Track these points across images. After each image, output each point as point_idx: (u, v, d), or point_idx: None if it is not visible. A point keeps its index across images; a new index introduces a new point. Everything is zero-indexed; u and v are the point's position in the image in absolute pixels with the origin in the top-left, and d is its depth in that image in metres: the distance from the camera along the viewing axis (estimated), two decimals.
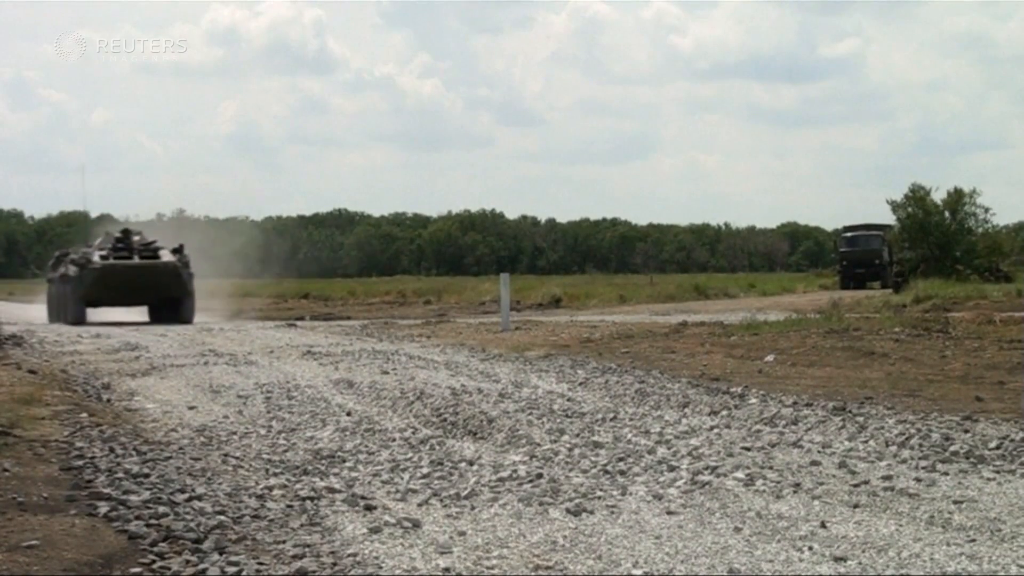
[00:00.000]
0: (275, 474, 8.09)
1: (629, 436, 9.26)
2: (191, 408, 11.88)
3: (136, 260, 30.37)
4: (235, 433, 10.07)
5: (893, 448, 8.91)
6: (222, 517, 6.60)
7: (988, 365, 14.60)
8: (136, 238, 31.67)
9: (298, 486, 7.62)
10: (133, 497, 7.01)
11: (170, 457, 8.61)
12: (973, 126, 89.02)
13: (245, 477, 7.96)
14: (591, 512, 6.92)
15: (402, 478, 7.95)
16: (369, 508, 7.04)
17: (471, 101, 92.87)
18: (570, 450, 8.74)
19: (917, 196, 49.42)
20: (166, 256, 30.78)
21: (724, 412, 11.10)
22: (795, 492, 7.33)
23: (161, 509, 6.72)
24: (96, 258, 30.22)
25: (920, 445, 9.04)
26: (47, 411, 10.86)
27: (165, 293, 30.51)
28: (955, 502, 7.03)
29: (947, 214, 49.22)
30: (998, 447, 8.84)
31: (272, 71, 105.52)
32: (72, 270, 30.03)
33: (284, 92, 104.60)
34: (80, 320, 29.43)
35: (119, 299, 30.71)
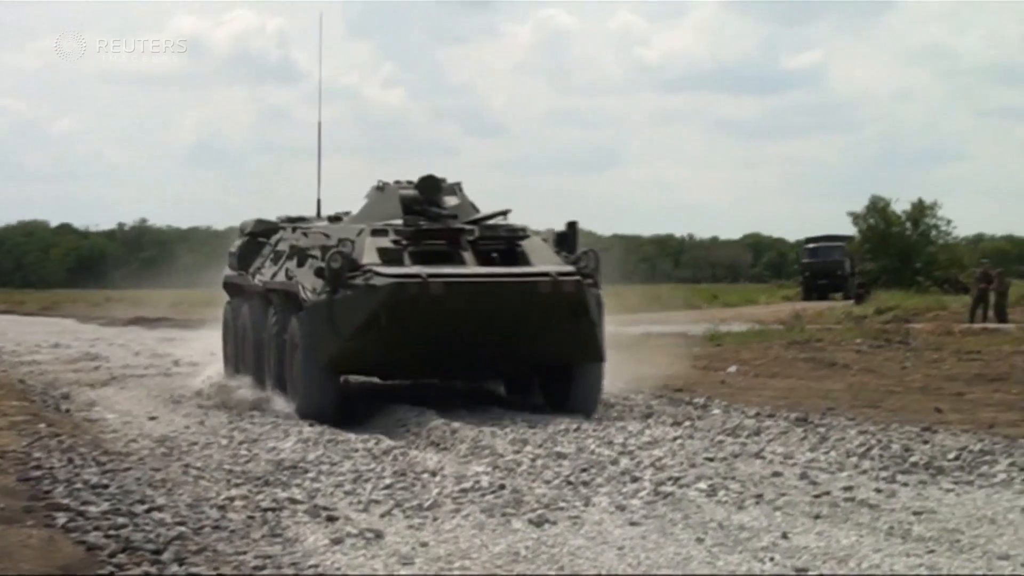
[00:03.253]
0: (236, 485, 8.03)
1: (592, 447, 9.26)
2: (152, 418, 11.80)
3: (471, 267, 11.67)
4: (196, 443, 10.00)
5: (854, 459, 8.96)
6: (182, 528, 6.55)
7: (947, 376, 14.73)
8: (449, 203, 12.88)
9: (260, 497, 7.57)
10: (92, 508, 6.95)
11: (130, 468, 8.53)
12: (934, 138, 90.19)
13: (206, 488, 7.90)
14: (554, 523, 6.91)
15: (364, 489, 7.91)
16: (331, 519, 7.00)
17: (436, 111, 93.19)
18: (533, 460, 8.73)
19: (878, 207, 49.76)
20: (540, 253, 12.01)
21: (687, 423, 11.13)
22: (757, 503, 7.35)
23: (120, 520, 6.66)
24: (370, 256, 11.61)
25: (880, 456, 9.09)
26: (4, 421, 10.75)
27: (546, 349, 11.84)
28: (915, 513, 7.07)
29: (909, 226, 49.57)
30: (957, 458, 8.91)
31: (235, 81, 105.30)
32: (311, 285, 11.84)
33: (248, 102, 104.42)
34: (325, 409, 11.65)
35: (433, 359, 11.83)
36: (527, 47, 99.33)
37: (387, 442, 9.78)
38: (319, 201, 14.55)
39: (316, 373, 11.71)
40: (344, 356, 11.64)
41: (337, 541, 6.45)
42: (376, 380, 13.35)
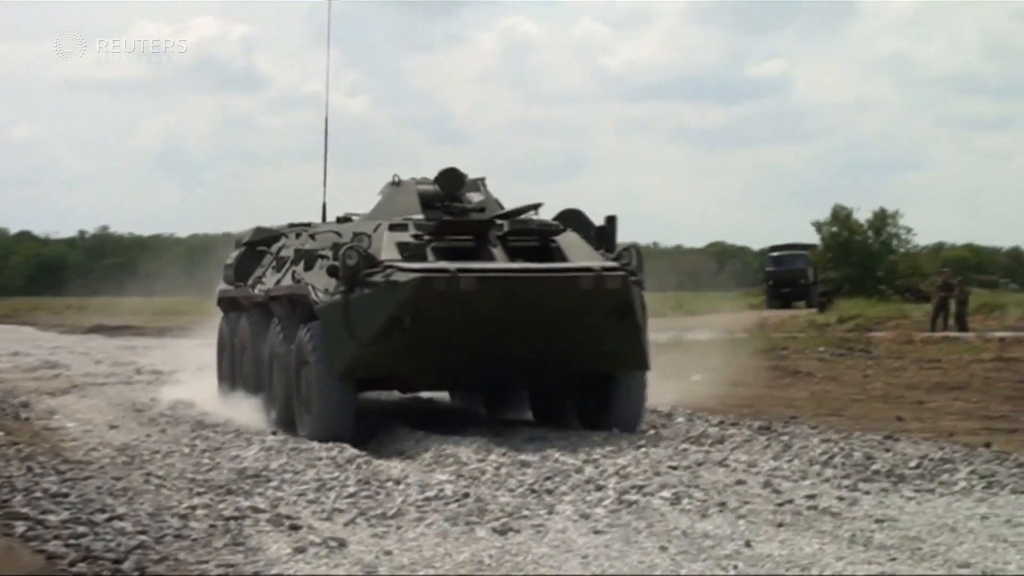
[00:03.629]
0: (199, 494, 7.98)
1: (556, 455, 9.26)
2: (112, 427, 11.71)
3: (505, 261, 10.61)
4: (158, 452, 9.93)
5: (817, 467, 9.00)
6: (143, 537, 6.50)
7: (908, 385, 14.84)
8: (473, 199, 11.74)
9: (222, 506, 7.52)
10: (51, 517, 6.88)
11: (90, 476, 8.46)
12: (896, 147, 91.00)
13: (168, 497, 7.84)
14: (517, 531, 6.90)
15: (328, 497, 7.88)
16: (294, 527, 6.96)
17: (401, 119, 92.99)
18: (497, 469, 8.72)
19: (841, 216, 50.08)
20: (577, 250, 10.89)
21: (651, 431, 11.14)
22: (721, 511, 7.37)
23: (80, 529, 6.60)
24: (389, 252, 10.51)
25: (843, 464, 9.14)
26: None
27: (587, 355, 10.74)
28: (876, 521, 7.10)
29: (871, 234, 49.92)
30: (918, 466, 8.96)
31: (198, 88, 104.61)
32: (323, 286, 10.79)
33: (210, 109, 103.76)
34: (344, 429, 10.55)
35: (461, 367, 10.62)
36: (491, 55, 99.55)
37: (351, 451, 9.74)
38: (324, 205, 13.64)
39: (332, 386, 10.48)
40: (363, 364, 10.43)
41: (300, 550, 6.41)
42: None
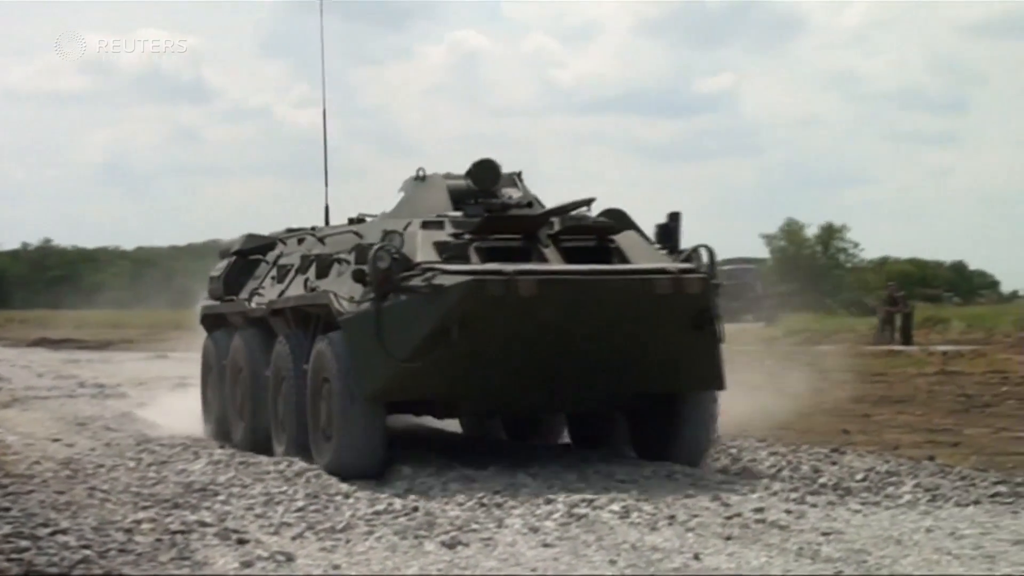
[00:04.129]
0: (144, 507, 7.89)
1: (506, 468, 9.24)
2: (55, 440, 11.56)
3: (560, 263, 9.32)
4: (102, 466, 9.81)
5: (765, 480, 9.04)
6: (87, 552, 6.42)
7: (854, 398, 14.96)
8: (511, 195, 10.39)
9: (168, 520, 7.44)
10: None
11: (33, 490, 8.35)
12: (842, 162, 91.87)
13: (112, 511, 7.75)
14: (466, 545, 6.88)
15: (276, 511, 7.82)
16: (241, 542, 6.90)
17: (350, 132, 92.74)
18: (446, 483, 8.68)
19: (790, 230, 50.60)
20: (640, 250, 9.66)
21: (602, 445, 11.14)
22: (670, 524, 7.38)
23: (23, 543, 6.50)
24: (427, 252, 9.22)
25: (791, 477, 9.20)
26: None
27: (658, 372, 9.44)
28: (823, 534, 7.15)
29: (819, 249, 50.47)
30: (864, 479, 9.04)
31: (145, 99, 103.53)
32: (348, 294, 9.36)
33: (158, 121, 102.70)
34: (373, 460, 9.24)
35: (514, 387, 9.31)
36: (441, 69, 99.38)
37: (300, 464, 9.67)
38: (327, 208, 12.27)
39: (358, 410, 9.00)
40: (399, 385, 8.96)
41: (247, 564, 6.36)
42: None
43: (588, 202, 9.69)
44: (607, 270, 9.11)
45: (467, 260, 9.03)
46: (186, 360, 26.05)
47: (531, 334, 8.83)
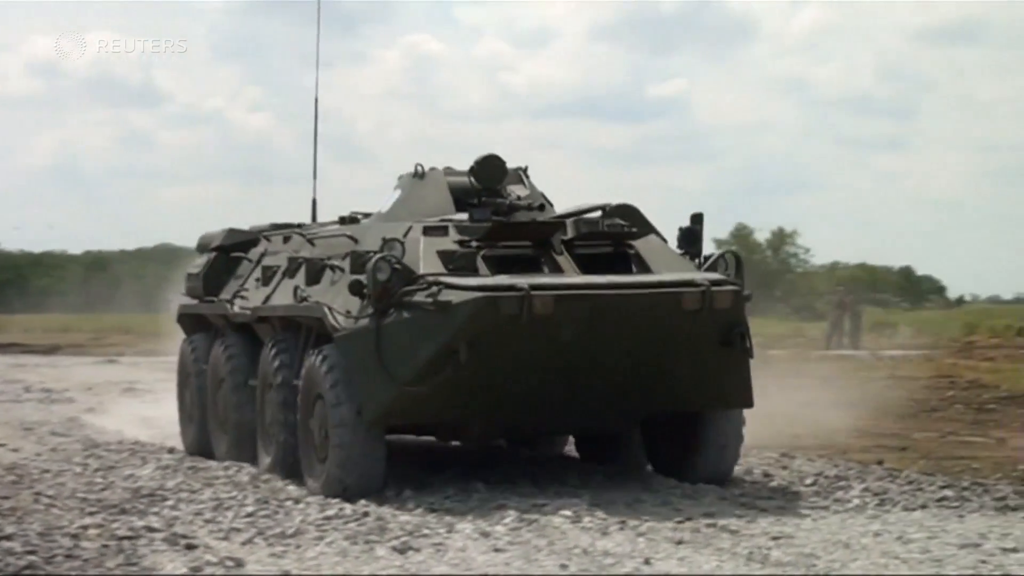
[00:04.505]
0: (91, 513, 7.81)
1: (458, 474, 9.22)
2: (0, 445, 11.42)
3: (575, 273, 8.67)
4: (48, 471, 9.70)
5: (715, 485, 9.06)
6: (32, 557, 6.35)
7: (804, 402, 15.02)
8: (517, 193, 9.65)
9: (115, 525, 7.37)
10: None
11: None
12: (793, 167, 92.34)
13: (59, 516, 7.67)
14: (417, 550, 6.86)
15: (226, 517, 7.76)
16: (190, 547, 6.84)
17: (303, 136, 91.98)
18: (398, 489, 8.64)
19: (741, 235, 50.89)
20: (662, 258, 8.99)
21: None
22: (621, 529, 7.39)
23: None
24: (430, 263, 8.53)
25: (741, 481, 9.23)
26: None
27: (685, 391, 8.88)
28: (773, 538, 7.18)
29: (769, 253, 50.80)
30: (813, 484, 9.10)
31: (95, 103, 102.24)
32: (343, 307, 8.66)
33: (107, 125, 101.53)
34: (372, 484, 8.57)
35: (527, 411, 8.75)
36: (394, 73, 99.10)
37: (250, 469, 9.61)
38: (314, 202, 11.56)
39: (356, 431, 8.36)
40: (401, 409, 8.33)
41: (196, 569, 6.31)
42: None
43: (604, 207, 9.05)
44: (630, 283, 8.34)
45: (475, 271, 8.34)
46: (137, 365, 25.85)
47: (547, 354, 8.17)
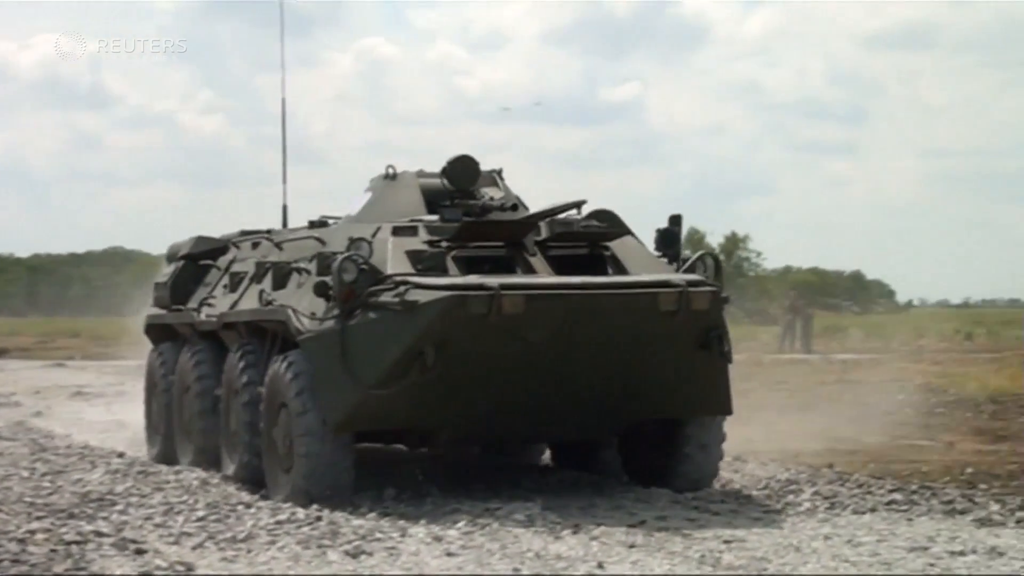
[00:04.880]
0: (38, 518, 7.72)
1: (410, 478, 9.19)
2: None
3: (548, 274, 8.49)
4: None
5: (667, 489, 9.09)
6: None
7: (757, 406, 15.10)
8: (491, 195, 9.41)
9: (63, 530, 7.29)
10: None
11: None
12: (746, 172, 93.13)
13: (5, 521, 7.57)
14: (370, 554, 6.83)
15: (176, 521, 7.69)
16: (140, 552, 6.78)
17: (256, 139, 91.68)
18: (351, 493, 8.60)
19: (694, 240, 51.12)
20: (638, 259, 8.84)
21: (507, 455, 11.14)
22: (574, 533, 7.40)
23: None
24: (399, 263, 8.36)
25: None
26: None
27: (660, 397, 8.68)
28: (725, 541, 7.21)
29: (722, 258, 51.15)
30: (765, 487, 9.15)
31: (43, 105, 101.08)
32: (308, 309, 8.48)
33: (56, 127, 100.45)
34: (339, 492, 8.35)
35: (497, 416, 8.48)
36: (347, 76, 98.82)
37: (200, 473, 9.54)
38: (285, 208, 11.35)
39: (322, 438, 8.13)
40: (367, 413, 8.12)
41: (146, 574, 6.25)
42: None
43: (579, 204, 8.81)
44: (604, 283, 8.16)
45: (444, 271, 8.13)
46: (85, 368, 25.61)
47: (517, 356, 7.95)
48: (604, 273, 8.44)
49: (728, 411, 8.72)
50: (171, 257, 11.32)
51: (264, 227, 10.71)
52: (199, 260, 10.83)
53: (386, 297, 7.92)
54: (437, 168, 9.28)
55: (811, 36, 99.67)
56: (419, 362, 7.80)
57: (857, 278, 65.76)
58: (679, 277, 8.31)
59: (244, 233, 10.70)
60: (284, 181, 11.40)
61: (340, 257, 8.07)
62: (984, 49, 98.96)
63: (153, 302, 11.25)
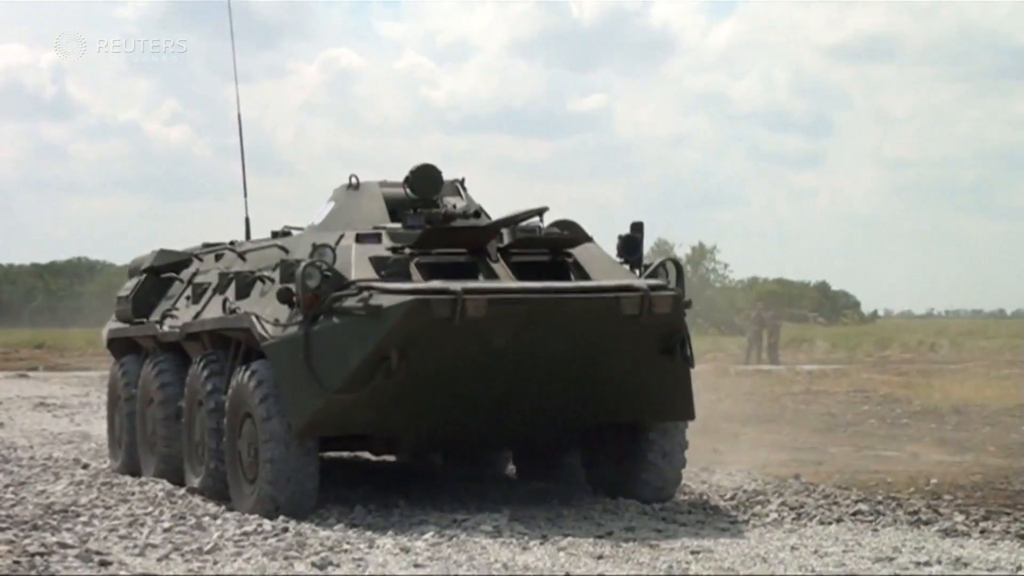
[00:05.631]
0: (1, 529, 7.64)
1: (379, 489, 9.17)
2: None
3: (511, 280, 8.54)
4: None
5: (634, 499, 9.10)
6: None
7: (724, 416, 15.16)
8: (454, 204, 9.43)
9: (27, 541, 7.21)
10: None
11: None
12: (712, 182, 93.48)
13: None
14: (337, 565, 6.81)
15: (141, 532, 7.64)
16: (104, 563, 6.73)
17: (221, 149, 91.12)
18: (318, 504, 8.57)
19: (662, 250, 51.32)
20: (600, 266, 8.90)
21: (475, 466, 11.12)
22: (542, 543, 7.39)
23: None
24: (362, 268, 8.42)
25: None
26: None
27: (621, 401, 8.75)
28: (692, 552, 7.23)
29: (689, 269, 51.32)
30: (732, 498, 9.18)
31: (4, 115, 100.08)
32: (272, 316, 8.53)
33: (18, 137, 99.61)
34: (303, 502, 8.35)
35: (461, 421, 8.57)
36: (313, 86, 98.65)
37: (166, 485, 9.48)
38: (247, 220, 11.30)
39: (287, 446, 8.12)
40: (331, 418, 8.13)
41: None
42: None
43: (541, 211, 8.82)
44: (566, 287, 8.25)
45: (408, 277, 8.20)
46: (49, 380, 25.41)
47: (480, 360, 8.00)
48: (567, 279, 8.53)
49: (691, 416, 8.75)
50: (133, 271, 11.33)
51: (227, 239, 10.70)
52: (161, 273, 10.81)
53: (350, 302, 7.96)
54: (401, 178, 9.30)
55: (775, 47, 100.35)
56: (383, 366, 7.83)
57: (823, 289, 66.11)
58: (641, 282, 8.38)
59: (207, 246, 10.69)
60: (245, 195, 11.45)
61: (304, 263, 8.11)
62: (946, 60, 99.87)
63: (115, 316, 11.23)
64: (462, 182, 9.62)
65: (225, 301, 9.07)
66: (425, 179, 9.17)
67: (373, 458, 11.18)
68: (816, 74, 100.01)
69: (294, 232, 9.73)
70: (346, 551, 7.16)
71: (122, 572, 6.52)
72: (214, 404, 8.97)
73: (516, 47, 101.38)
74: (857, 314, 64.38)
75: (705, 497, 9.25)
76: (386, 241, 8.50)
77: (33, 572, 6.45)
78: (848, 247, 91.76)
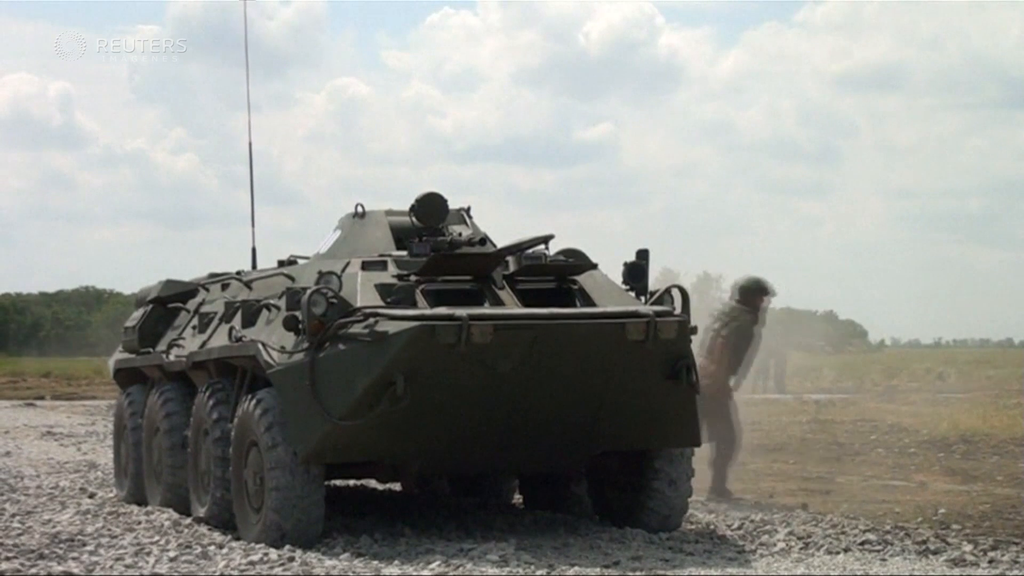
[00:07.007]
0: (7, 558, 7.64)
1: (385, 518, 9.15)
2: None
3: (516, 307, 8.55)
4: None
5: (641, 529, 9.08)
6: None
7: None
8: (460, 232, 9.52)
9: (33, 570, 7.23)
10: None
11: None
12: (718, 211, 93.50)
13: None
14: None
15: (147, 562, 7.63)
16: None
17: (228, 178, 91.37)
18: (323, 533, 8.56)
19: (666, 279, 51.31)
20: (606, 292, 8.93)
21: (482, 495, 11.10)
22: (548, 573, 7.36)
23: None
24: (368, 295, 8.41)
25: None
26: None
27: (627, 428, 8.68)
28: None
29: (695, 298, 51.23)
30: (739, 528, 9.15)
31: (12, 145, 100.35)
32: (278, 343, 8.49)
33: (26, 166, 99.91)
34: (310, 530, 8.33)
35: (468, 448, 8.50)
36: (321, 116, 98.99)
37: (172, 514, 9.47)
38: (254, 250, 11.28)
39: (293, 474, 8.14)
40: (336, 445, 8.11)
41: None
42: None
43: (547, 239, 8.82)
44: (572, 314, 8.23)
45: (413, 304, 8.19)
46: (56, 408, 25.40)
47: (486, 386, 7.98)
48: (572, 305, 8.53)
49: (697, 443, 8.73)
50: (140, 301, 11.36)
51: (234, 269, 10.73)
52: (168, 304, 10.86)
53: (356, 329, 7.96)
54: (407, 207, 9.33)
55: (782, 77, 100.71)
56: (389, 393, 7.80)
57: (830, 318, 66.02)
58: (647, 308, 8.36)
59: (213, 275, 10.70)
60: (252, 224, 11.45)
61: (309, 291, 8.11)
62: (952, 91, 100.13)
63: (122, 346, 11.26)
64: (468, 210, 9.66)
65: (231, 330, 9.09)
66: (431, 207, 9.18)
67: (379, 487, 11.17)
68: (822, 104, 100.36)
69: (300, 261, 9.72)
70: None
71: None
72: (220, 433, 8.96)
73: (523, 76, 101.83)
74: (864, 343, 64.30)
75: (712, 526, 9.22)
76: (392, 268, 8.51)
77: None
78: (855, 276, 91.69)
